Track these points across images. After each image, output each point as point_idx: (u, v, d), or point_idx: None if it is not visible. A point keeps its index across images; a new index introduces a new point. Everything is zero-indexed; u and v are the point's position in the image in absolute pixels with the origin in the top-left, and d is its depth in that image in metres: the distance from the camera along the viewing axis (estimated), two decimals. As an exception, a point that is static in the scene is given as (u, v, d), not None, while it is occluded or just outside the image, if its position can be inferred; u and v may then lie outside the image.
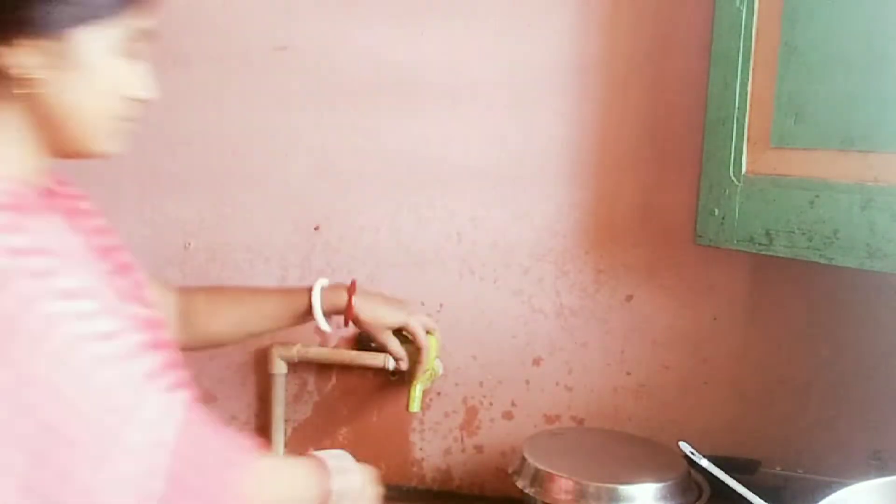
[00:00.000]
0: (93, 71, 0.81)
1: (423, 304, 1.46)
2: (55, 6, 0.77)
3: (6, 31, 0.76)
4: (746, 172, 1.22)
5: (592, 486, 1.16)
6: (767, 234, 1.18)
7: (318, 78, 1.44)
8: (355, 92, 1.43)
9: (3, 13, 0.75)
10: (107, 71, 0.82)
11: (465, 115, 1.41)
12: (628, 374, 1.42)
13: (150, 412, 0.72)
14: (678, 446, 1.10)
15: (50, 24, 0.77)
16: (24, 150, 0.81)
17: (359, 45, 1.43)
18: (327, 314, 1.14)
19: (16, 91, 0.77)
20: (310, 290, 1.14)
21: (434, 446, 1.48)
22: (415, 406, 1.37)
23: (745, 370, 1.38)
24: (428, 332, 1.34)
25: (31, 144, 0.81)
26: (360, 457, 1.49)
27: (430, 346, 1.34)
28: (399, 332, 1.21)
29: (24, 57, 0.77)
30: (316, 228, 1.47)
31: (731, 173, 1.23)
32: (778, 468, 1.31)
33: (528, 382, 1.45)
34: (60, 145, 0.83)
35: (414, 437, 1.49)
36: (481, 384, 1.46)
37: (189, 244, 1.48)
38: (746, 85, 1.21)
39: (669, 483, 1.17)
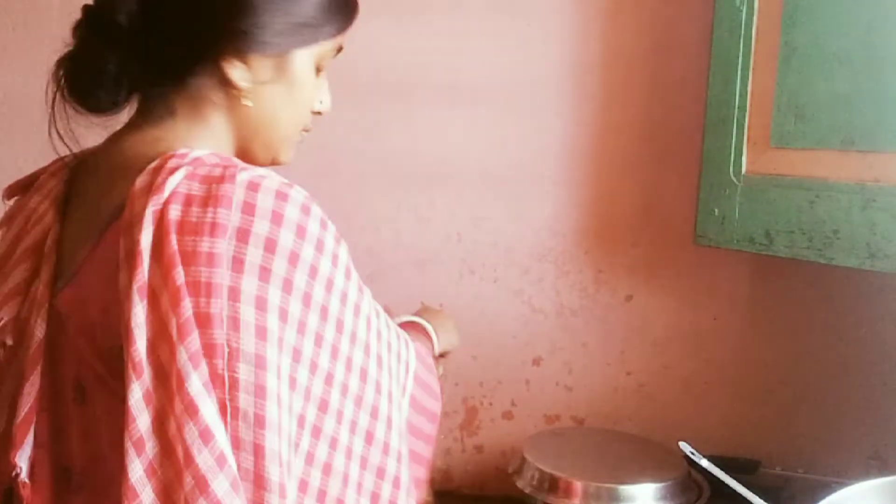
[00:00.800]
0: (301, 85, 0.84)
1: (422, 304, 1.45)
2: (295, 27, 0.80)
3: (243, 47, 0.77)
4: (746, 172, 1.22)
5: (592, 486, 1.16)
6: (767, 234, 1.18)
7: (318, 78, 1.44)
8: (355, 92, 1.43)
9: (247, 30, 0.76)
10: (308, 85, 0.85)
11: (465, 115, 1.41)
12: (628, 374, 1.42)
13: (403, 350, 0.89)
14: (678, 446, 1.10)
15: (286, 45, 0.80)
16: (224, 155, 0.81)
17: (359, 44, 1.42)
18: None
19: (243, 103, 0.79)
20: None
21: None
22: (415, 406, 1.37)
23: (745, 370, 1.38)
24: None
25: (229, 151, 0.82)
26: (360, 457, 1.50)
27: None
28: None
29: (255, 72, 0.78)
30: (316, 228, 1.47)
31: (731, 173, 1.23)
32: (778, 468, 1.31)
33: (528, 382, 1.45)
34: (251, 153, 0.85)
35: (414, 437, 1.48)
36: (481, 384, 1.46)
37: (189, 244, 1.48)
38: (746, 85, 1.21)
39: (669, 483, 1.17)
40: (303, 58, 0.83)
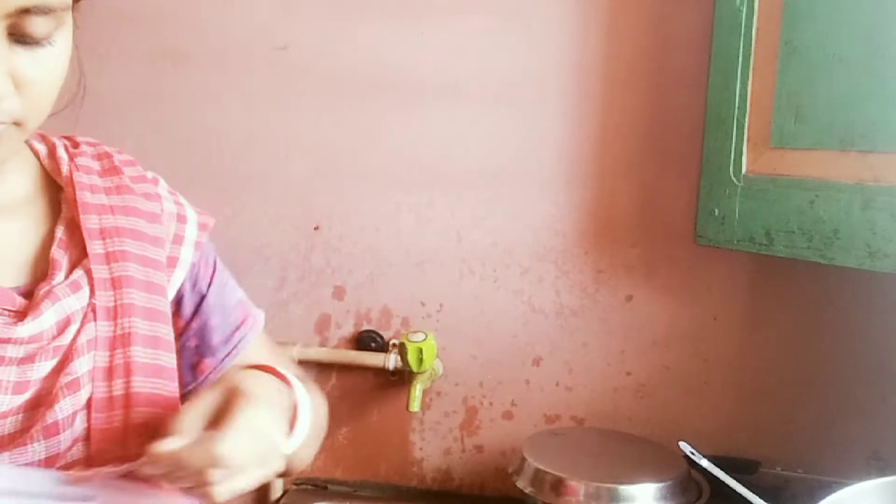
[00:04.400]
0: None
1: (423, 304, 1.46)
2: None
3: None
4: (746, 172, 1.22)
5: (592, 486, 1.16)
6: (767, 234, 1.18)
7: (318, 78, 1.44)
8: (355, 92, 1.43)
9: None
10: None
11: (465, 115, 1.41)
12: (628, 374, 1.42)
13: None
14: (678, 446, 1.10)
15: None
16: None
17: (359, 44, 1.43)
18: None
19: None
20: None
21: (434, 446, 1.48)
22: (415, 406, 1.37)
23: (745, 370, 1.38)
24: (423, 333, 1.35)
25: None
26: (359, 457, 1.50)
27: (428, 347, 1.35)
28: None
29: None
30: (316, 228, 1.47)
31: (731, 173, 1.23)
32: (778, 468, 1.31)
33: (528, 382, 1.45)
34: None
35: (414, 437, 1.49)
36: (481, 384, 1.46)
37: (189, 244, 1.48)
38: (746, 85, 1.21)
39: (669, 483, 1.17)
40: None
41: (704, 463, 1.06)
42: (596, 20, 1.36)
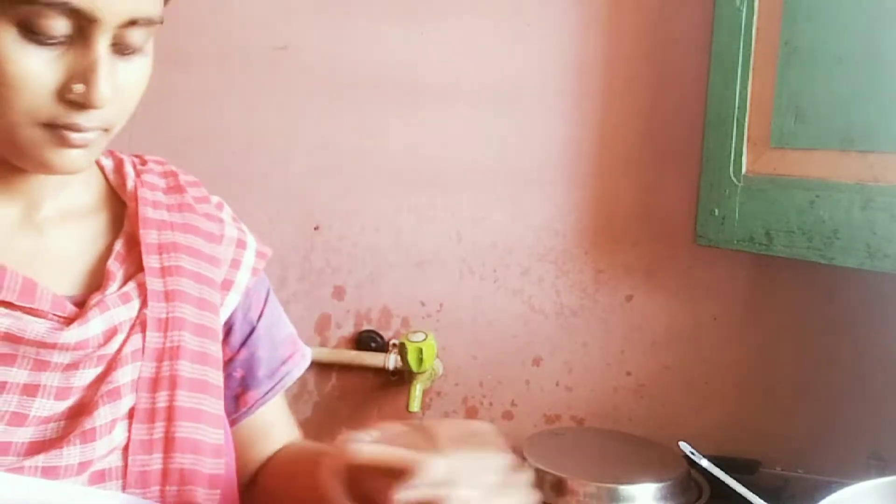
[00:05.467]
0: None
1: (423, 304, 1.46)
2: None
3: None
4: (746, 172, 1.22)
5: (592, 486, 1.16)
6: (767, 234, 1.18)
7: (318, 78, 1.44)
8: (355, 92, 1.43)
9: None
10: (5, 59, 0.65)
11: (465, 115, 1.41)
12: (628, 374, 1.42)
13: None
14: (678, 446, 1.10)
15: None
16: None
17: (359, 44, 1.43)
18: None
19: None
20: None
21: (434, 446, 1.48)
22: (415, 406, 1.37)
23: (745, 370, 1.38)
24: (423, 333, 1.35)
25: None
26: (360, 457, 1.50)
27: (428, 347, 1.35)
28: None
29: None
30: (316, 228, 1.47)
31: (731, 173, 1.23)
32: (778, 468, 1.31)
33: (528, 382, 1.45)
34: None
35: (414, 437, 1.48)
36: (481, 384, 1.46)
37: (189, 244, 1.48)
38: (746, 85, 1.21)
39: (669, 483, 1.17)
40: None
41: (704, 463, 1.06)
42: (596, 20, 1.36)
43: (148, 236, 0.79)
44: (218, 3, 1.45)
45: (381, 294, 1.47)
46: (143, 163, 0.87)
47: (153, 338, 0.75)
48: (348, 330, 1.48)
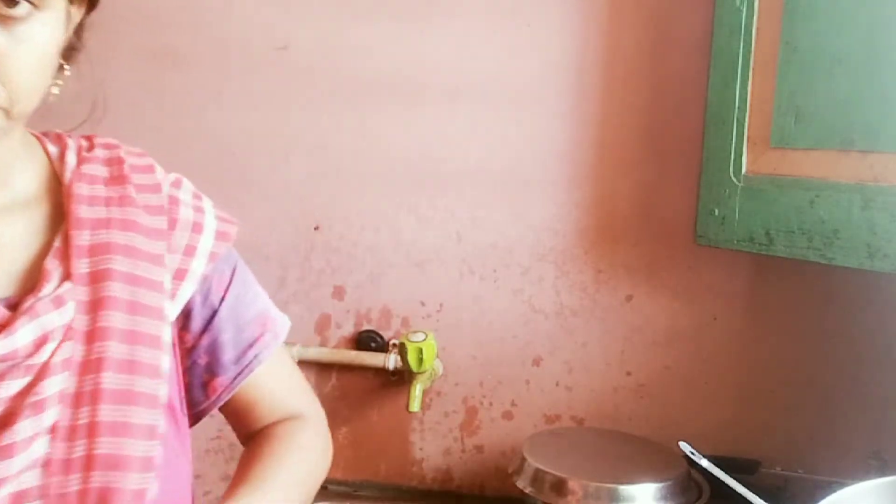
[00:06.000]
0: None
1: (423, 304, 1.46)
2: None
3: None
4: (746, 172, 1.22)
5: (592, 486, 1.16)
6: (767, 234, 1.18)
7: (318, 78, 1.44)
8: (355, 92, 1.43)
9: None
10: None
11: (465, 115, 1.41)
12: (628, 374, 1.42)
13: None
14: (678, 446, 1.10)
15: None
16: None
17: (359, 44, 1.43)
18: None
19: None
20: None
21: (434, 446, 1.48)
22: (415, 406, 1.37)
23: (745, 370, 1.38)
24: (423, 333, 1.35)
25: None
26: (359, 457, 1.50)
27: (428, 347, 1.34)
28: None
29: None
30: (316, 228, 1.47)
31: (731, 173, 1.23)
32: (778, 468, 1.31)
33: (528, 382, 1.45)
34: None
35: (414, 437, 1.49)
36: (481, 384, 1.46)
37: (189, 244, 1.48)
38: (746, 85, 1.21)
39: (669, 483, 1.17)
40: None
41: (704, 463, 1.06)
42: (596, 20, 1.36)
43: (79, 238, 0.74)
44: (218, 3, 1.45)
45: (381, 294, 1.47)
46: (91, 147, 0.82)
47: (78, 350, 0.71)
48: (348, 330, 1.48)
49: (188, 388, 0.84)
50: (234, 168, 1.47)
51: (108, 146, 0.84)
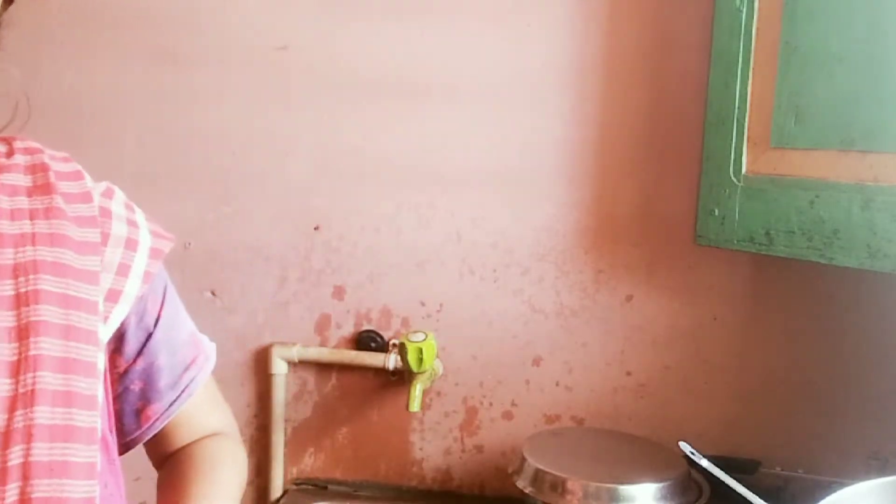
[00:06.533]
0: None
1: (423, 304, 1.46)
2: None
3: None
4: (746, 172, 1.22)
5: (592, 486, 1.16)
6: (767, 234, 1.18)
7: (318, 78, 1.44)
8: (355, 92, 1.43)
9: None
10: None
11: (465, 115, 1.41)
12: (628, 374, 1.42)
13: None
14: (678, 446, 1.10)
15: None
16: None
17: (359, 44, 1.43)
18: None
19: None
20: None
21: (434, 446, 1.48)
22: (415, 406, 1.37)
23: (745, 370, 1.38)
24: (423, 333, 1.35)
25: None
26: (359, 457, 1.50)
27: (428, 347, 1.34)
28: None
29: None
30: (316, 228, 1.47)
31: (731, 173, 1.23)
32: (778, 468, 1.31)
33: (528, 382, 1.45)
34: None
35: (414, 437, 1.49)
36: (481, 384, 1.46)
37: (189, 244, 1.49)
38: (746, 85, 1.21)
39: (669, 483, 1.17)
40: None
41: (704, 463, 1.06)
42: (596, 20, 1.36)
43: (1, 256, 0.67)
44: (218, 3, 1.45)
45: (381, 294, 1.47)
46: (10, 153, 0.74)
47: (4, 384, 0.63)
48: (348, 330, 1.48)
49: (118, 416, 0.79)
50: (234, 168, 1.47)
51: (29, 151, 0.75)
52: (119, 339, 0.77)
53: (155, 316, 0.79)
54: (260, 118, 1.46)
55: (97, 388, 0.68)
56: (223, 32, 1.45)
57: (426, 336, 1.35)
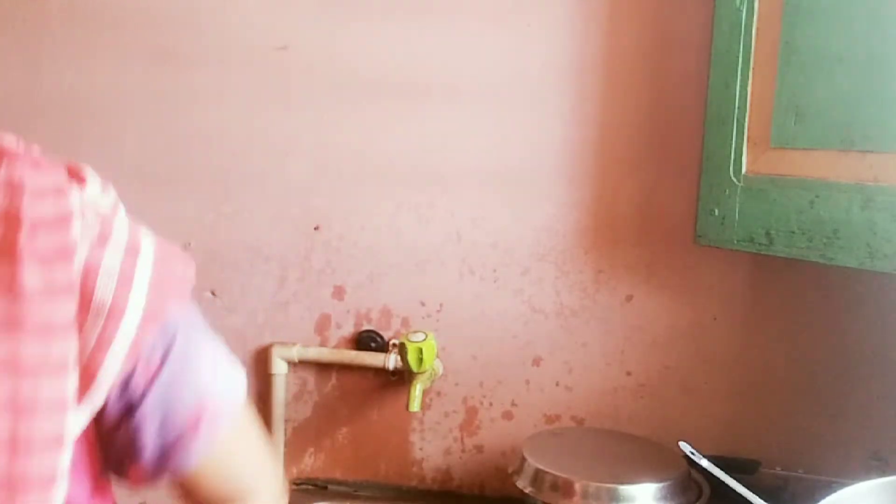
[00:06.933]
0: None
1: (423, 304, 1.46)
2: None
3: None
4: (746, 172, 1.22)
5: (592, 486, 1.16)
6: (767, 234, 1.18)
7: (318, 78, 1.44)
8: (355, 92, 1.43)
9: None
10: None
11: (465, 115, 1.41)
12: (628, 374, 1.42)
13: None
14: (678, 446, 1.10)
15: None
16: None
17: (359, 44, 1.43)
18: None
19: None
20: None
21: (434, 446, 1.48)
22: (415, 406, 1.37)
23: (745, 370, 1.38)
24: (423, 333, 1.35)
25: None
26: (359, 457, 1.50)
27: (428, 347, 1.34)
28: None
29: None
30: (316, 228, 1.47)
31: (731, 173, 1.23)
32: (778, 468, 1.31)
33: (528, 382, 1.45)
34: None
35: (414, 437, 1.49)
36: (481, 384, 1.46)
37: (189, 244, 1.49)
38: (746, 85, 1.21)
39: (669, 483, 1.17)
40: None
41: (704, 463, 1.06)
42: (596, 20, 1.36)
43: None
44: (218, 3, 1.45)
45: (381, 294, 1.47)
46: None
47: None
48: (348, 330, 1.48)
49: (108, 460, 0.67)
50: (233, 168, 1.47)
51: (4, 153, 0.58)
52: (102, 408, 0.62)
53: (143, 388, 0.62)
54: (260, 118, 1.46)
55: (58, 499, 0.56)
56: (223, 32, 1.45)
57: (426, 336, 1.35)
